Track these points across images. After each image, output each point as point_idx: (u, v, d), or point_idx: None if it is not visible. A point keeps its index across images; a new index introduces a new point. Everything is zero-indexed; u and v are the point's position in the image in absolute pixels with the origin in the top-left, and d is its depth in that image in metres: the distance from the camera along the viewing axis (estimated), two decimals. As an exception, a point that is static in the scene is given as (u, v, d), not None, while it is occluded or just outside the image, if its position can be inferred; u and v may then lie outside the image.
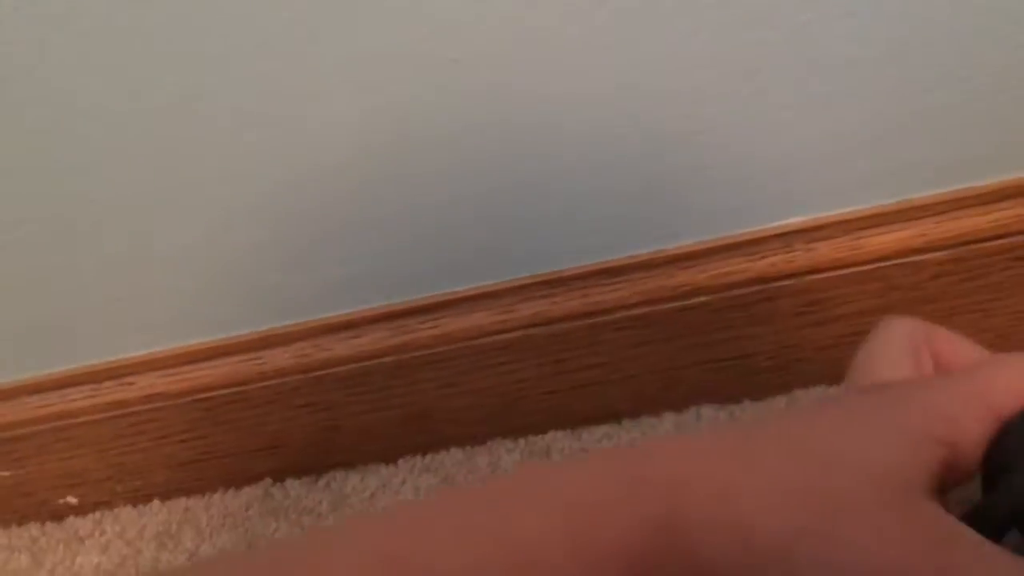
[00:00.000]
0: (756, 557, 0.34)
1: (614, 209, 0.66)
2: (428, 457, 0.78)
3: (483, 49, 0.58)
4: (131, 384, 0.75)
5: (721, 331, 0.70)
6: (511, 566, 0.35)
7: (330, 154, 0.62)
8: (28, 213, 0.64)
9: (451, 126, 0.61)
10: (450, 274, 0.70)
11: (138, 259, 0.67)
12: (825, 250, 0.67)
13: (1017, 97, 0.61)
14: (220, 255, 0.67)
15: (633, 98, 0.60)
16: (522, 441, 0.77)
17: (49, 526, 0.83)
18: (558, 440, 0.76)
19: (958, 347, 0.45)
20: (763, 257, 0.67)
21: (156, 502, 0.82)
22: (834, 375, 0.70)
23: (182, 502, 0.81)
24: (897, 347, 0.44)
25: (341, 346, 0.72)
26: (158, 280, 0.69)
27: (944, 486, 0.37)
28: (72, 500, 0.82)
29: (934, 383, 0.41)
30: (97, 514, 0.83)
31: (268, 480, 0.80)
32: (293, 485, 0.80)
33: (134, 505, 0.82)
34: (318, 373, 0.73)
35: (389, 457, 0.79)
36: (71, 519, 0.83)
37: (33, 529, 0.83)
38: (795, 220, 0.67)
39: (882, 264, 0.67)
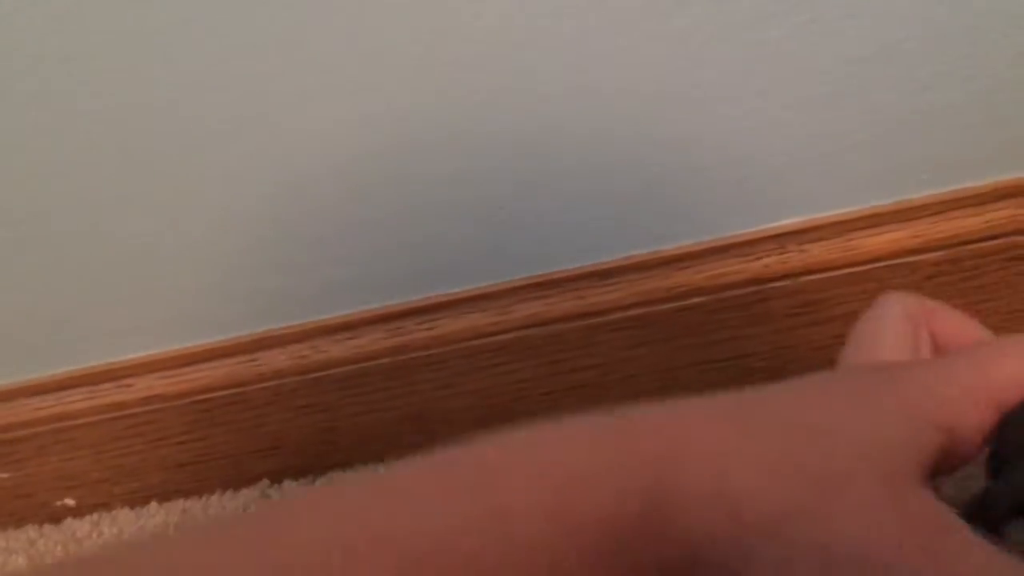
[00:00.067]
0: (744, 533, 0.34)
1: (609, 210, 0.66)
2: (425, 458, 0.78)
3: (480, 51, 0.58)
4: (129, 386, 0.75)
5: (717, 332, 0.70)
6: (495, 531, 0.34)
7: (327, 156, 0.62)
8: (25, 215, 0.64)
9: (448, 128, 0.61)
10: (446, 276, 0.70)
11: (136, 261, 0.67)
12: (820, 251, 0.67)
13: (1011, 98, 0.62)
14: (218, 257, 0.67)
15: (629, 99, 0.61)
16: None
17: (47, 528, 0.83)
18: (555, 441, 0.76)
19: (957, 324, 0.44)
20: (758, 258, 0.67)
21: (154, 504, 0.82)
22: (829, 375, 0.70)
23: (180, 504, 0.81)
24: (895, 324, 0.44)
25: (338, 347, 0.72)
26: (156, 282, 0.69)
27: (938, 472, 0.37)
28: (70, 502, 0.82)
29: (934, 366, 0.40)
30: (95, 516, 0.83)
31: (266, 481, 0.80)
32: (291, 486, 0.80)
33: (132, 507, 0.82)
34: (316, 374, 0.73)
35: (386, 458, 0.79)
36: (69, 521, 0.83)
37: (31, 531, 0.83)
38: (790, 221, 0.67)
39: (877, 265, 0.67)
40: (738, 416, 0.38)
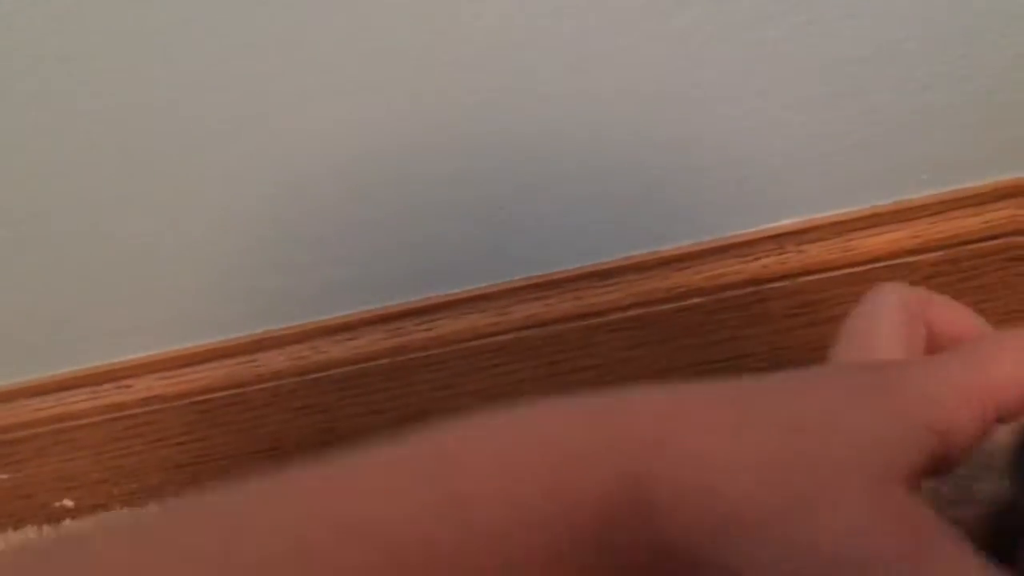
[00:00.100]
0: (727, 528, 0.33)
1: (608, 211, 0.66)
2: (424, 459, 0.78)
3: (480, 51, 0.58)
4: (129, 387, 0.75)
5: (715, 332, 0.71)
6: (453, 518, 0.33)
7: (327, 156, 0.62)
8: (25, 215, 0.64)
9: (447, 128, 0.61)
10: (445, 277, 0.70)
11: (136, 261, 0.67)
12: (818, 251, 0.67)
13: (1010, 99, 0.62)
14: (218, 257, 0.67)
15: (629, 100, 0.61)
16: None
17: (46, 530, 0.83)
18: (554, 442, 0.76)
19: (955, 316, 0.44)
20: (757, 259, 0.68)
21: (152, 505, 0.82)
22: (828, 376, 0.70)
23: (179, 505, 0.81)
24: (890, 317, 0.44)
25: (337, 348, 0.72)
26: (156, 282, 0.69)
27: (932, 473, 0.37)
28: (68, 503, 0.82)
29: (929, 365, 0.39)
30: (93, 517, 0.83)
31: (265, 482, 0.80)
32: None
33: (130, 508, 0.82)
34: (315, 375, 0.73)
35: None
36: (67, 523, 0.83)
37: (30, 533, 0.83)
38: (789, 221, 0.67)
39: (875, 265, 0.67)
40: (734, 408, 0.37)
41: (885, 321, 0.43)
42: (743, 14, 0.57)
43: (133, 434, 0.76)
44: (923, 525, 0.33)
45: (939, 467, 0.37)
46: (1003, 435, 0.42)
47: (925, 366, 0.39)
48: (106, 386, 0.75)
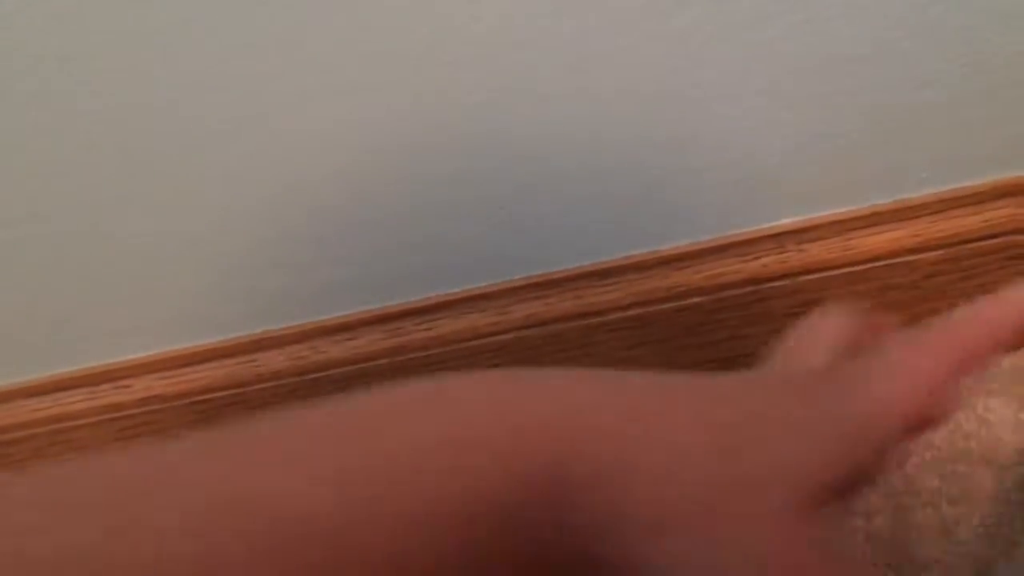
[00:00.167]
0: (632, 530, 0.34)
1: (607, 210, 0.66)
2: (424, 459, 0.78)
3: (480, 51, 0.58)
4: (128, 387, 0.75)
5: (715, 332, 0.71)
6: (386, 486, 0.33)
7: (326, 157, 0.62)
8: (25, 215, 0.64)
9: (447, 129, 0.61)
10: (444, 276, 0.70)
11: (136, 261, 0.67)
12: (818, 250, 0.67)
13: (1009, 97, 0.62)
14: (217, 257, 0.67)
15: (628, 100, 0.61)
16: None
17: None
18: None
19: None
20: (756, 258, 0.68)
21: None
22: (828, 375, 0.70)
23: (179, 505, 0.81)
24: (826, 338, 0.44)
25: (336, 348, 0.72)
26: (156, 282, 0.69)
27: (849, 486, 0.37)
28: (68, 504, 0.82)
29: (848, 377, 0.39)
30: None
31: (265, 482, 0.80)
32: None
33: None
34: (314, 375, 0.73)
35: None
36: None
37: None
38: (788, 221, 0.67)
39: (875, 264, 0.67)
40: (659, 407, 0.37)
41: (822, 343, 0.44)
42: (742, 14, 0.57)
43: (132, 434, 0.76)
44: (832, 548, 0.34)
45: (855, 483, 0.37)
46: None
47: (846, 382, 0.39)
48: (104, 386, 0.75)
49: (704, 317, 0.70)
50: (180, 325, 0.72)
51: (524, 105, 0.60)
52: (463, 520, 0.33)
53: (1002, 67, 0.60)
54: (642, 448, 0.35)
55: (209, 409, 0.74)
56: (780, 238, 0.67)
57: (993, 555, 0.62)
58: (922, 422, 0.38)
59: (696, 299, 0.69)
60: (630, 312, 0.69)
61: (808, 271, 0.67)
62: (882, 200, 0.66)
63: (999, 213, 0.65)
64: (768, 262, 0.67)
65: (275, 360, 0.73)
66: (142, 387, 0.74)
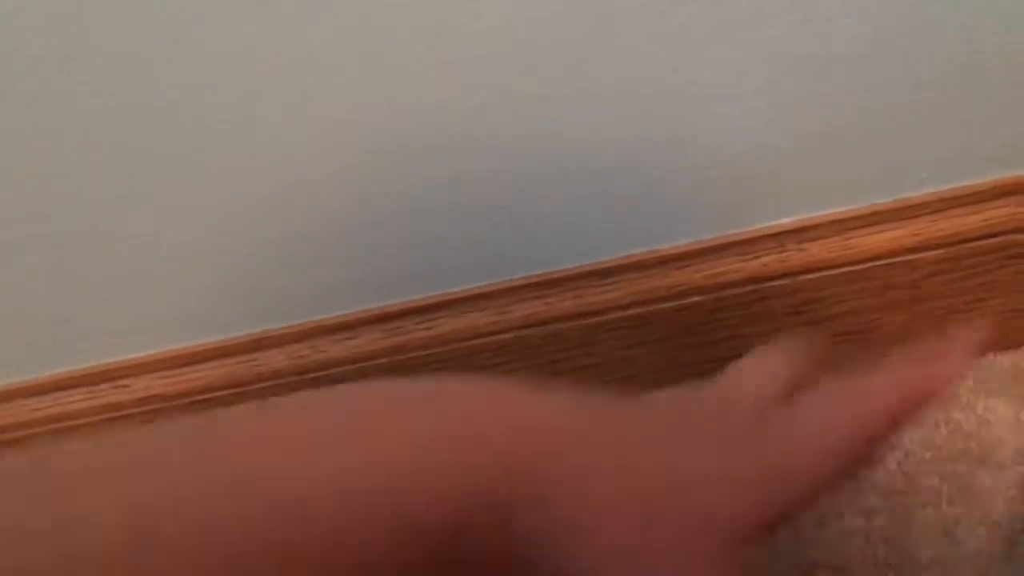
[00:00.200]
0: (565, 553, 0.35)
1: (607, 210, 0.66)
2: (425, 458, 0.78)
3: (478, 52, 0.58)
4: (127, 386, 0.75)
5: (715, 331, 0.71)
6: (316, 519, 0.33)
7: (326, 157, 0.62)
8: (25, 215, 0.64)
9: (447, 129, 0.61)
10: (444, 275, 0.70)
11: (134, 261, 0.67)
12: (818, 250, 0.67)
13: (1009, 97, 0.62)
14: (217, 257, 0.67)
15: (628, 99, 0.61)
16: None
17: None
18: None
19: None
20: (757, 257, 0.68)
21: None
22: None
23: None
24: (769, 375, 0.44)
25: (336, 348, 0.72)
26: (155, 282, 0.69)
27: (773, 523, 0.38)
28: (68, 503, 0.82)
29: (780, 430, 0.40)
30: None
31: (266, 482, 0.80)
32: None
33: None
34: (314, 375, 0.73)
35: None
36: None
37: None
38: (788, 220, 0.67)
39: (876, 263, 0.67)
40: (594, 435, 0.38)
41: (762, 377, 0.44)
42: (741, 13, 0.57)
43: (132, 434, 0.76)
44: None
45: (771, 528, 0.38)
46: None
47: (776, 426, 0.40)
48: (103, 386, 0.75)
49: (704, 316, 0.70)
50: (180, 325, 0.72)
51: (524, 105, 0.60)
52: (418, 528, 0.34)
53: (1002, 66, 0.60)
54: (572, 486, 0.36)
55: (209, 408, 0.74)
56: (780, 237, 0.67)
57: (993, 555, 0.62)
58: (846, 471, 0.39)
59: (696, 298, 0.69)
60: (630, 311, 0.69)
61: (808, 270, 0.67)
62: (882, 199, 0.66)
63: (999, 212, 0.65)
64: (768, 261, 0.67)
65: (275, 359, 0.73)
66: (141, 387, 0.74)
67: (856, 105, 0.62)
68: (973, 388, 0.70)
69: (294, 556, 0.32)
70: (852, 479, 0.42)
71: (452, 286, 0.70)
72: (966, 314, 0.69)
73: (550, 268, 0.69)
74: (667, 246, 0.68)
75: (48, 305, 0.69)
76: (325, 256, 0.68)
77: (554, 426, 0.38)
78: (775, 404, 0.43)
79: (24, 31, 0.55)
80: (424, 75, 0.58)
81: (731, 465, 0.38)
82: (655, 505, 0.36)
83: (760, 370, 0.46)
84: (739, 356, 0.70)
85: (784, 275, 0.67)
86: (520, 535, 0.35)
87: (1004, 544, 0.62)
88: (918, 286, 0.67)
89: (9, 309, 0.69)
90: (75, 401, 0.75)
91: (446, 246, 0.68)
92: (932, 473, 0.67)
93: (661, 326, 0.70)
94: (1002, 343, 0.71)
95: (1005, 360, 0.71)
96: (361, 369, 0.72)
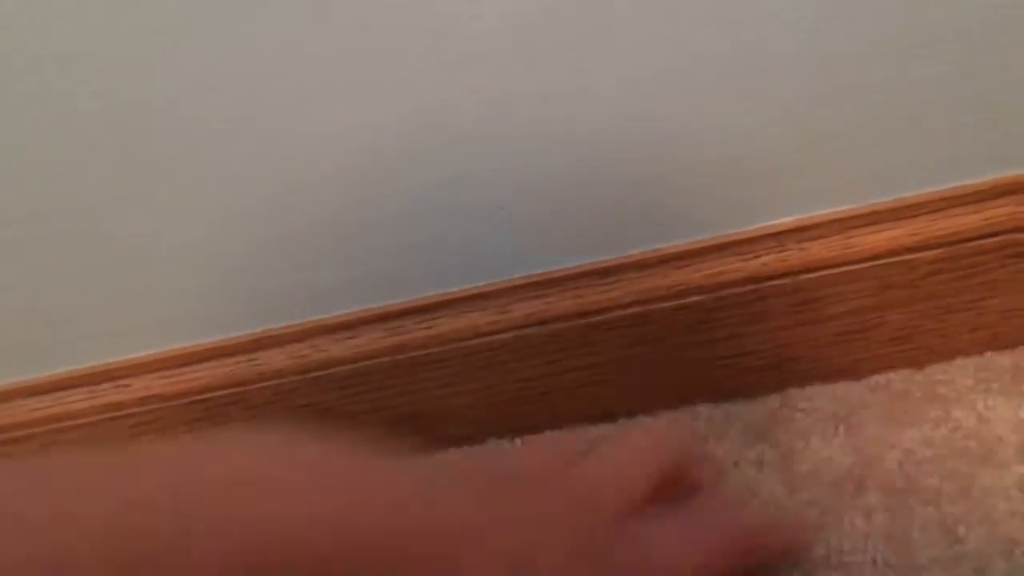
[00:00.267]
0: None
1: (607, 209, 0.66)
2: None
3: (478, 51, 0.58)
4: (128, 386, 0.75)
5: (716, 330, 0.71)
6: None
7: (327, 157, 0.62)
8: (25, 215, 0.64)
9: (447, 128, 0.61)
10: (445, 275, 0.70)
11: (135, 261, 0.67)
12: (818, 249, 0.67)
13: (1010, 96, 0.62)
14: (217, 257, 0.67)
15: (628, 98, 0.61)
16: (519, 441, 0.77)
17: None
18: (556, 439, 0.77)
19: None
20: (756, 256, 0.67)
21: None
22: (828, 373, 0.70)
23: (180, 504, 0.81)
24: (631, 475, 0.45)
25: (338, 347, 0.72)
26: (155, 282, 0.69)
27: None
28: (69, 503, 0.82)
29: (630, 548, 0.42)
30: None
31: (267, 481, 0.80)
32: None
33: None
34: (315, 374, 0.73)
35: (386, 457, 0.79)
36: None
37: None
38: (788, 219, 0.67)
39: (875, 263, 0.67)
40: (424, 511, 0.39)
41: (624, 474, 0.45)
42: (742, 12, 0.57)
43: (133, 433, 0.76)
44: None
45: None
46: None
47: (620, 541, 0.43)
48: (104, 386, 0.75)
49: (704, 315, 0.70)
50: (180, 324, 0.72)
51: (524, 104, 0.60)
52: None
53: (1002, 66, 0.60)
54: (405, 551, 0.37)
55: (210, 408, 0.74)
56: (780, 236, 0.67)
57: (993, 555, 0.62)
58: None
59: (696, 297, 0.69)
60: (630, 311, 0.69)
61: (809, 269, 0.67)
62: (882, 199, 0.66)
63: (999, 212, 0.65)
64: (768, 260, 0.67)
65: (276, 359, 0.73)
66: (142, 386, 0.74)
67: (856, 105, 0.62)
68: (973, 387, 0.70)
69: None
70: None
71: (452, 286, 0.71)
72: (966, 313, 0.69)
73: (550, 268, 0.69)
74: (667, 245, 0.68)
75: (48, 305, 0.69)
76: (326, 256, 0.68)
77: (377, 501, 0.38)
78: (632, 515, 0.43)
79: (24, 31, 0.55)
80: (424, 75, 0.58)
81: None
82: None
83: (626, 465, 0.46)
84: (739, 355, 0.71)
85: (784, 274, 0.67)
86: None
87: (1004, 544, 0.62)
88: (917, 285, 0.67)
89: (9, 309, 0.70)
90: (75, 401, 0.75)
91: (446, 246, 0.68)
92: (932, 472, 0.66)
93: (661, 325, 0.70)
94: (1002, 342, 0.71)
95: (1005, 359, 0.71)
96: (363, 368, 0.72)
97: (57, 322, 0.71)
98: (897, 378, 0.72)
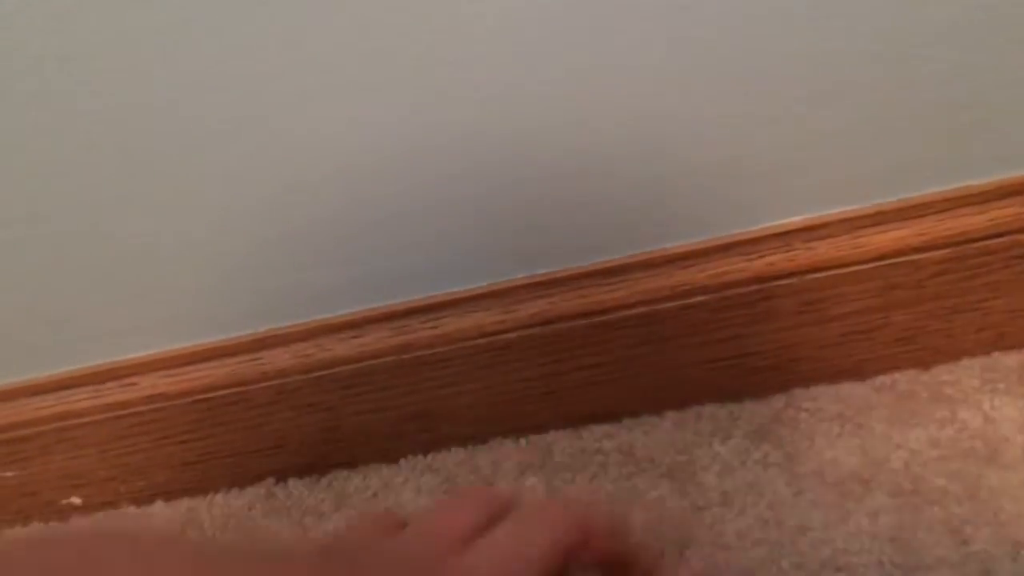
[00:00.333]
0: None
1: (613, 209, 0.66)
2: (430, 457, 0.78)
3: (479, 51, 0.58)
4: (133, 385, 0.75)
5: (721, 330, 0.70)
6: None
7: (328, 156, 0.62)
8: (25, 215, 0.64)
9: (450, 129, 0.61)
10: (450, 275, 0.70)
11: (137, 261, 0.67)
12: (824, 249, 0.67)
13: (1015, 96, 0.61)
14: (220, 257, 0.67)
15: (632, 98, 0.60)
16: (523, 440, 0.77)
17: (54, 526, 0.83)
18: (559, 439, 0.76)
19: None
20: (762, 256, 0.67)
21: (159, 502, 0.82)
22: (833, 374, 0.70)
23: (185, 502, 0.82)
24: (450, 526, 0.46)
25: (342, 346, 0.72)
26: (158, 282, 0.69)
27: None
28: (76, 501, 0.82)
29: None
30: (101, 514, 0.83)
31: (271, 480, 0.80)
32: (296, 485, 0.80)
33: (138, 505, 0.83)
34: (319, 373, 0.73)
35: (391, 457, 0.79)
36: (76, 520, 0.83)
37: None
38: (794, 219, 0.67)
39: (882, 263, 0.66)
40: None
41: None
42: (744, 12, 0.57)
43: (138, 431, 0.76)
44: None
45: None
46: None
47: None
48: (109, 384, 0.75)
49: (709, 315, 0.70)
50: (184, 324, 0.72)
51: (527, 104, 0.60)
52: None
53: (1008, 66, 0.60)
54: None
55: (213, 407, 0.74)
56: (786, 236, 0.67)
57: (999, 555, 0.61)
58: None
59: (701, 297, 0.69)
60: (635, 311, 0.69)
61: (815, 270, 0.67)
62: (888, 199, 0.66)
63: (1005, 212, 0.65)
64: (774, 260, 0.67)
65: (280, 358, 0.73)
66: (147, 385, 0.75)
67: (861, 104, 0.61)
68: (980, 387, 0.70)
69: None
70: None
71: (457, 285, 0.71)
72: (971, 314, 0.69)
73: (555, 267, 0.69)
74: (672, 245, 0.68)
75: (49, 305, 0.70)
76: (327, 256, 0.68)
77: None
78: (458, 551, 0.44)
79: (24, 31, 0.55)
80: (424, 75, 0.58)
81: None
82: None
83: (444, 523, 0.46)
84: (744, 355, 0.71)
85: (790, 274, 0.67)
86: None
87: (1010, 544, 0.62)
88: (923, 286, 0.67)
89: (10, 309, 0.70)
90: (80, 400, 0.75)
91: (451, 245, 0.68)
92: (938, 473, 0.66)
93: (666, 325, 0.70)
94: (1008, 342, 0.71)
95: (1011, 359, 0.71)
96: (367, 367, 0.72)
97: (58, 322, 0.71)
98: (903, 378, 0.72)
